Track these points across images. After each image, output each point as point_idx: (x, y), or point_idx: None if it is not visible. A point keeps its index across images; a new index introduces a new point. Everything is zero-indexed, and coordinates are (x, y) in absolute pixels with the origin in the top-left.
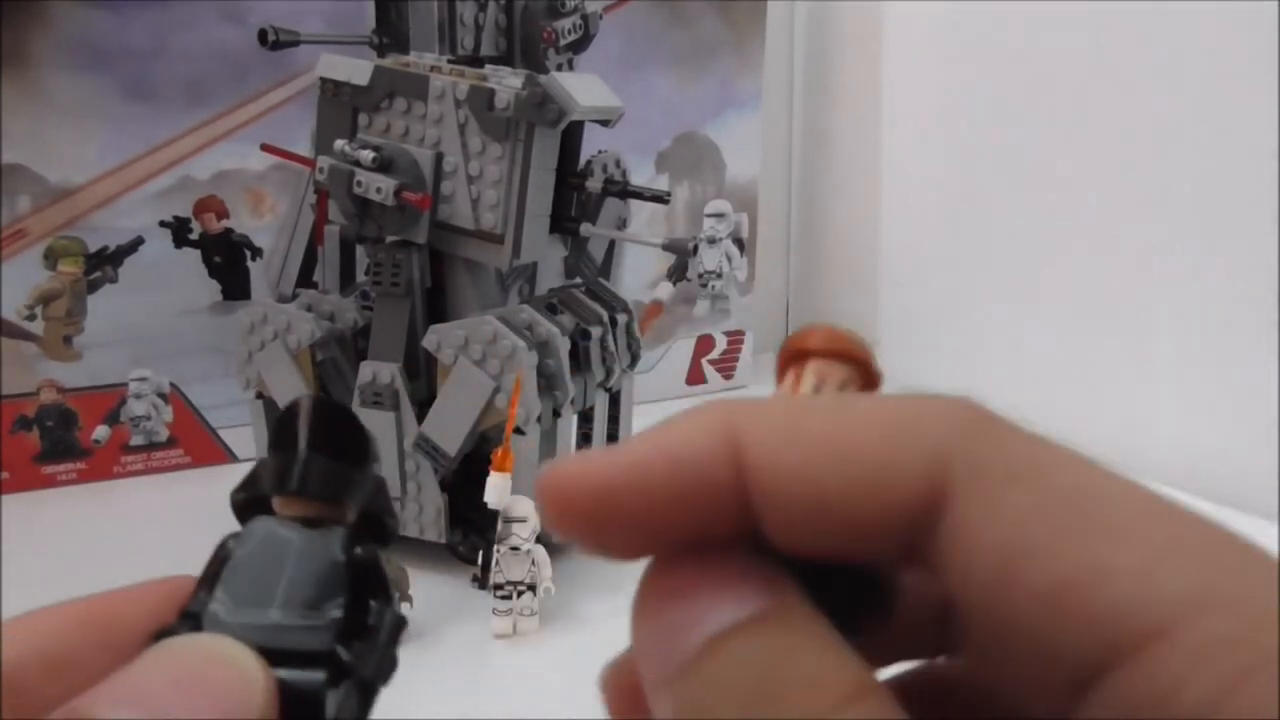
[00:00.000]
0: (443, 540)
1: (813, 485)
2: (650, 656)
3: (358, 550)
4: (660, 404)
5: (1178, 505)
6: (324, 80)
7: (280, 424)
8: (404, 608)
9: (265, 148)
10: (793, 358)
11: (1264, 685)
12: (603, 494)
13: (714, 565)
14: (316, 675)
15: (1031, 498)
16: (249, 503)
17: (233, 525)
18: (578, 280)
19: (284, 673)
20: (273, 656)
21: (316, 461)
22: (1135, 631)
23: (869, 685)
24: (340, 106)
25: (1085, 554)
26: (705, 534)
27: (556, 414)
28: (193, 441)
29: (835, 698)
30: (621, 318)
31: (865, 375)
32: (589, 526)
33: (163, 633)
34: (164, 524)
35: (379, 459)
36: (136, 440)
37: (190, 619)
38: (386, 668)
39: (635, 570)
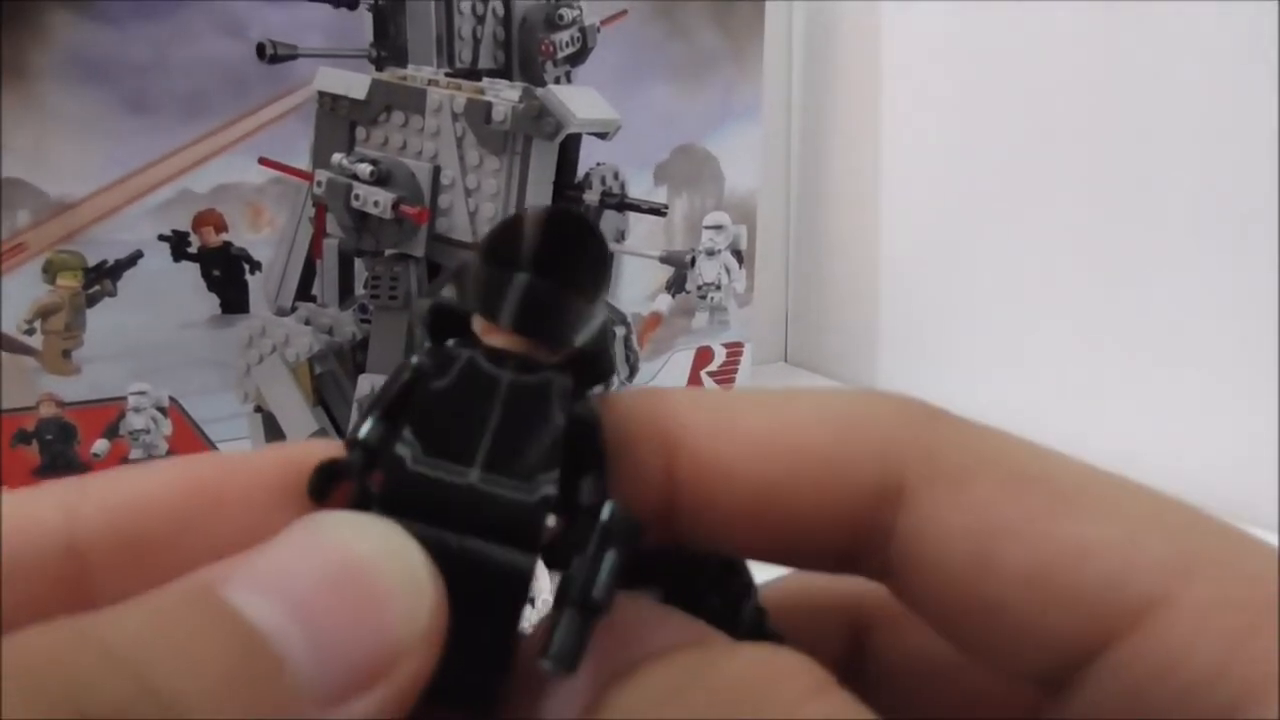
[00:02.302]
0: None
1: (753, 480)
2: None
3: (578, 409)
4: None
5: (1143, 484)
6: (322, 94)
7: (503, 231)
8: None
9: (264, 161)
10: None
11: (1266, 644)
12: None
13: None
14: (525, 557)
15: (999, 483)
16: (442, 315)
17: None
18: None
19: (480, 544)
20: (468, 524)
21: (541, 290)
22: (1127, 604)
23: (828, 681)
24: (338, 120)
25: (1065, 533)
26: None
27: None
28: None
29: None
30: (620, 330)
31: None
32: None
33: (329, 468)
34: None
35: (609, 287)
36: (136, 454)
37: (364, 452)
38: (607, 592)
39: None
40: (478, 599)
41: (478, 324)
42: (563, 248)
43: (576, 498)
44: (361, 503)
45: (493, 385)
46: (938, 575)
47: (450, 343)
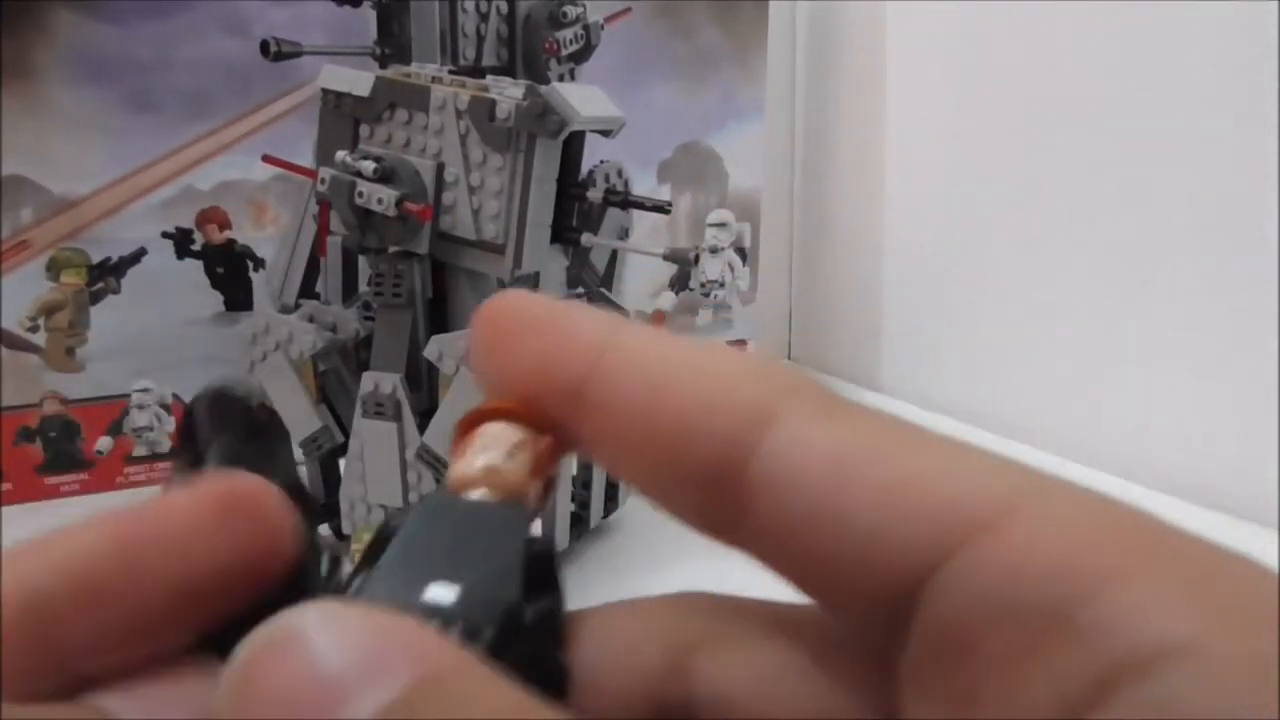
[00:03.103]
0: None
1: (654, 379)
2: None
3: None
4: None
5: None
6: (325, 91)
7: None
8: None
9: (267, 159)
10: (464, 427)
11: (1110, 543)
12: (514, 316)
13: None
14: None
15: (866, 420)
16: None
17: None
18: (580, 290)
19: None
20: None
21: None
22: (975, 513)
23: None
24: (342, 118)
25: (922, 458)
26: (543, 387)
27: None
28: None
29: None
30: None
31: (543, 438)
32: (488, 333)
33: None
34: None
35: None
36: (139, 451)
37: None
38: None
39: (631, 580)
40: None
41: None
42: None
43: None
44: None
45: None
46: (794, 493)
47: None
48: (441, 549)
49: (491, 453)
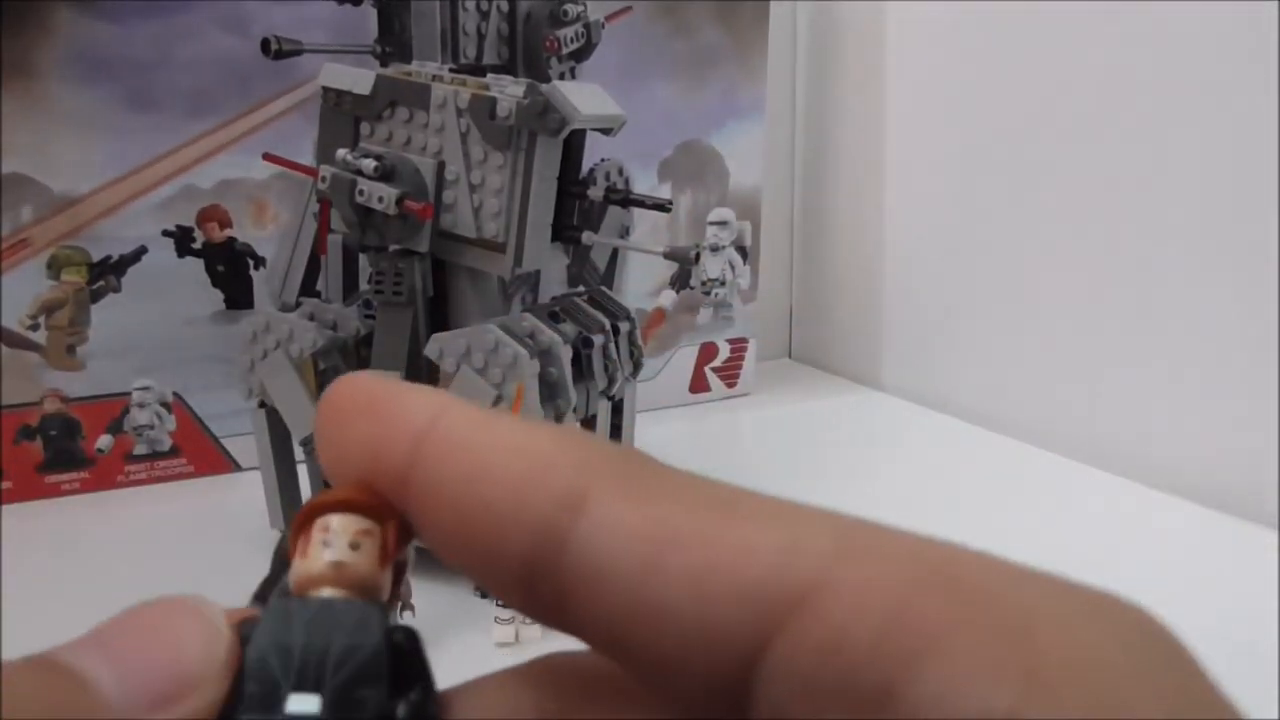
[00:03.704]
0: None
1: (471, 465)
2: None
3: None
4: (663, 411)
5: (814, 507)
6: (326, 89)
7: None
8: (407, 616)
9: (268, 157)
10: (301, 523)
11: (918, 614)
12: (351, 400)
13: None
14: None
15: (676, 500)
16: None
17: (227, 535)
18: (580, 288)
19: None
20: None
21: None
22: (788, 591)
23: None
24: (342, 116)
25: (730, 536)
26: (373, 472)
27: (559, 422)
28: (196, 451)
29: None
30: (624, 326)
31: (386, 524)
32: (328, 418)
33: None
34: (167, 533)
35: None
36: (140, 449)
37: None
38: None
39: None
40: None
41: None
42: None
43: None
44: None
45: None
46: (607, 583)
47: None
48: (295, 655)
49: (335, 547)
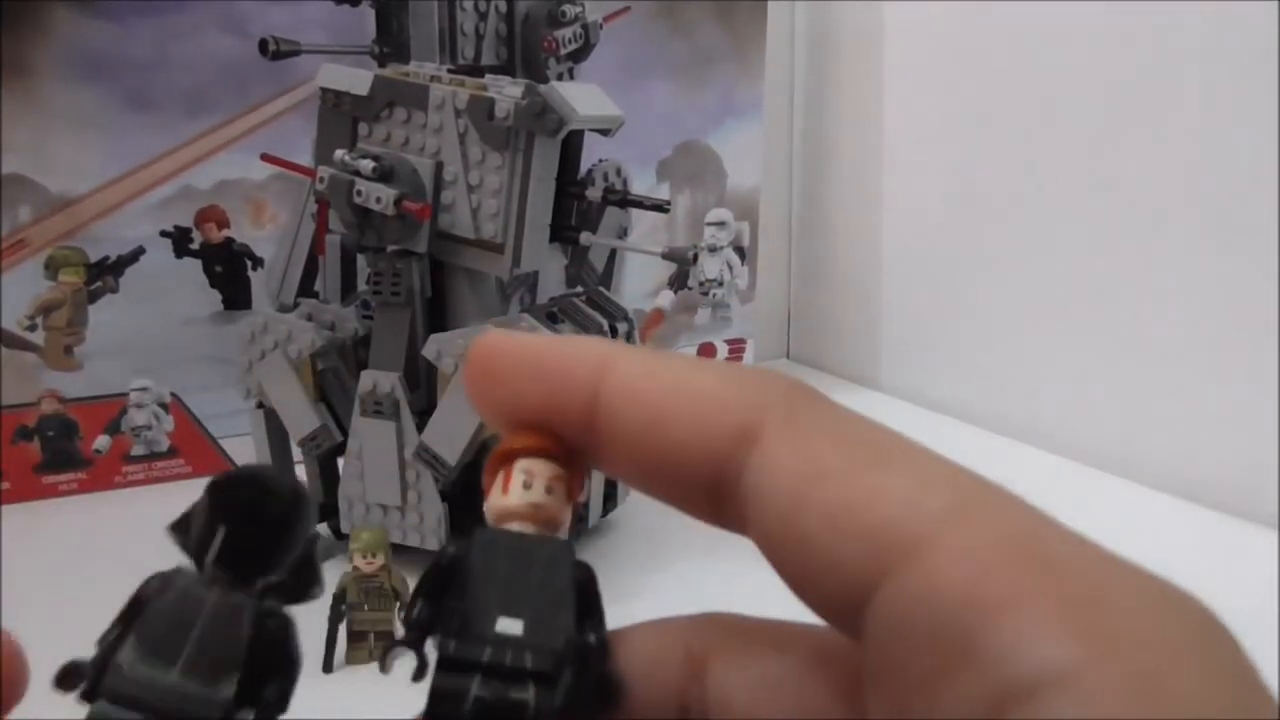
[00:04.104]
0: None
1: (653, 410)
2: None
3: (269, 622)
4: None
5: (946, 459)
6: (324, 90)
7: (218, 486)
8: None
9: (266, 157)
10: (501, 460)
11: (1006, 577)
12: (508, 361)
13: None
14: None
15: (831, 440)
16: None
17: None
18: (579, 289)
19: None
20: (165, 715)
21: (236, 538)
22: (902, 541)
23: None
24: (341, 116)
25: (866, 480)
26: (552, 423)
27: None
28: (194, 451)
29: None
30: (622, 326)
31: (572, 469)
32: (483, 379)
33: (71, 670)
34: (164, 534)
35: (314, 524)
36: (137, 450)
37: (97, 660)
38: None
39: (630, 577)
40: None
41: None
42: (259, 508)
43: (263, 692)
44: (89, 694)
45: (199, 604)
46: (769, 511)
47: (180, 570)
48: (500, 583)
49: (534, 490)
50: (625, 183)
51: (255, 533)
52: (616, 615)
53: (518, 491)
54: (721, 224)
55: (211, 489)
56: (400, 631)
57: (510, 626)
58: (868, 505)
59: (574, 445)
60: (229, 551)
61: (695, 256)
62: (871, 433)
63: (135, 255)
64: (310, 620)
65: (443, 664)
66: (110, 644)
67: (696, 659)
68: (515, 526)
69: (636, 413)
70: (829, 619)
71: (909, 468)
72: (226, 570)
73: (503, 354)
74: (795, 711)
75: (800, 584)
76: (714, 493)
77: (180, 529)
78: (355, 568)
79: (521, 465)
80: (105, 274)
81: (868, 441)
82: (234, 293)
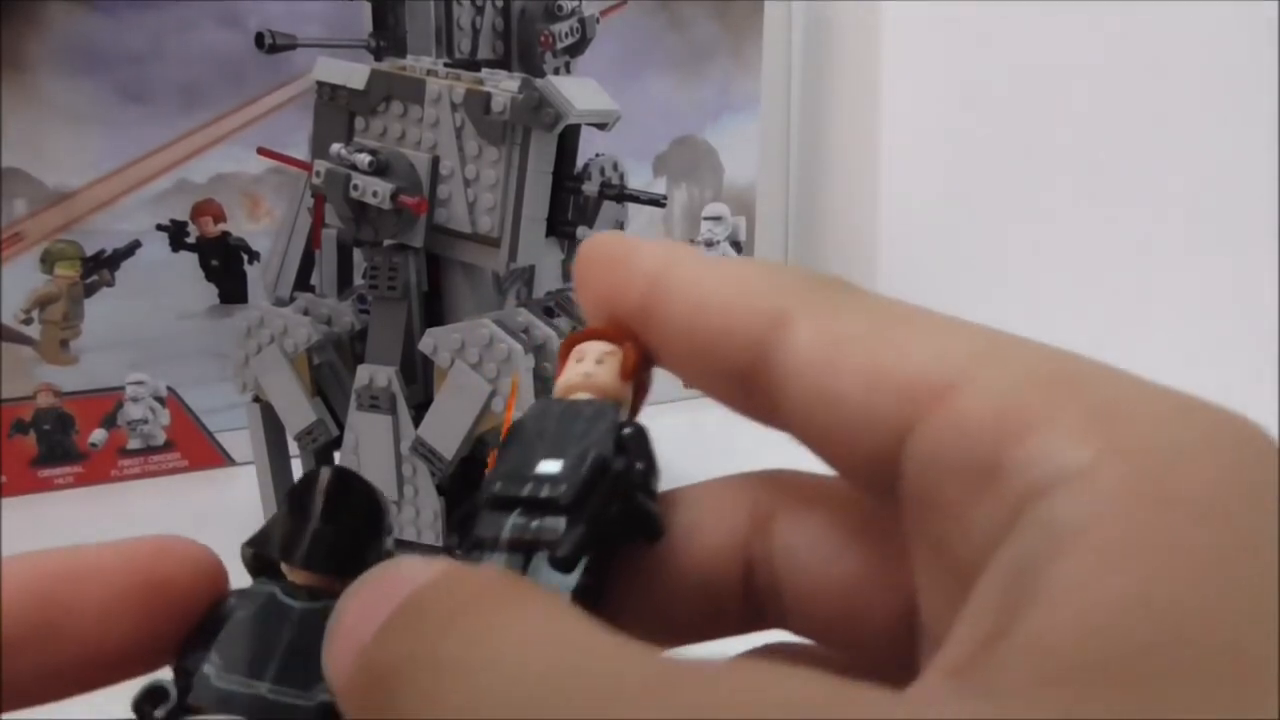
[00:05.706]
0: (440, 543)
1: (696, 298)
2: None
3: None
4: (657, 407)
5: (963, 320)
6: (321, 84)
7: (298, 489)
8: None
9: (262, 151)
10: (566, 348)
11: (1037, 397)
12: (598, 254)
13: None
14: None
15: (858, 311)
16: (259, 558)
17: (222, 530)
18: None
19: None
20: None
21: (327, 534)
22: (931, 387)
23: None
24: (337, 110)
25: (896, 338)
26: (616, 310)
27: None
28: (190, 445)
29: None
30: None
31: (630, 350)
32: (579, 271)
33: (154, 690)
34: (161, 527)
35: (392, 532)
36: (134, 444)
37: (183, 675)
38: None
39: None
40: None
41: (284, 567)
42: (345, 502)
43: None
44: (177, 711)
45: (286, 613)
46: (802, 380)
47: (261, 581)
48: (547, 435)
49: (585, 362)
50: (622, 177)
51: (344, 530)
52: None
53: (573, 366)
54: (718, 218)
55: (296, 490)
56: None
57: (550, 466)
58: (898, 360)
59: (635, 333)
60: (317, 552)
61: None
62: (898, 308)
63: (131, 249)
64: None
65: (488, 503)
66: (194, 658)
67: (763, 512)
68: (573, 396)
69: (683, 299)
70: (862, 483)
71: (936, 326)
72: (316, 570)
73: (595, 250)
74: (858, 563)
75: (833, 449)
76: (749, 379)
77: (259, 542)
78: None
79: (578, 350)
80: (101, 267)
81: (895, 310)
82: (230, 287)
